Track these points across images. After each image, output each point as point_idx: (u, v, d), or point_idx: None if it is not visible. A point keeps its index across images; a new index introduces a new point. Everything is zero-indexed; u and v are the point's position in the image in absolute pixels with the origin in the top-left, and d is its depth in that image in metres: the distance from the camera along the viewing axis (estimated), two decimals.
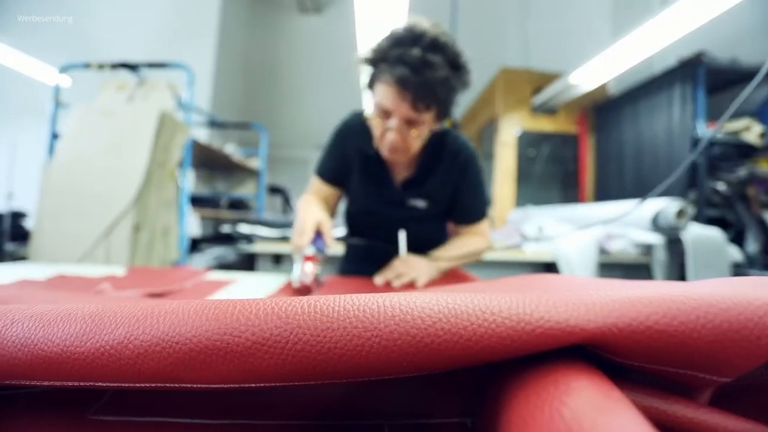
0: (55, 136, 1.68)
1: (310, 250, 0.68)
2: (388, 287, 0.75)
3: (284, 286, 0.72)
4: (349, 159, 0.95)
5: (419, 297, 0.19)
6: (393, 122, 0.76)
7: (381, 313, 0.18)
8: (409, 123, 0.77)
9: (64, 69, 1.74)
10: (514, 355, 0.17)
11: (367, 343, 0.17)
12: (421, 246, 0.91)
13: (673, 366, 0.18)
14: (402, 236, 0.83)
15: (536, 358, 0.18)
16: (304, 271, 0.64)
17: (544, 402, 0.15)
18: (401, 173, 0.94)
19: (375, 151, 0.89)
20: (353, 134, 0.93)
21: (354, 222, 1.04)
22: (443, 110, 0.79)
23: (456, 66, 0.75)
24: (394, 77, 0.71)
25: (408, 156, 0.85)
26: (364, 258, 1.03)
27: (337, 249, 1.60)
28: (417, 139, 0.80)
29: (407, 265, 0.82)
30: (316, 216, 0.75)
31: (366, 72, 0.80)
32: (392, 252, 0.89)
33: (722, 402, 0.21)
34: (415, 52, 0.70)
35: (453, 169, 0.91)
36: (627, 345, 0.17)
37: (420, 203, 0.93)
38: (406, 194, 0.93)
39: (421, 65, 0.70)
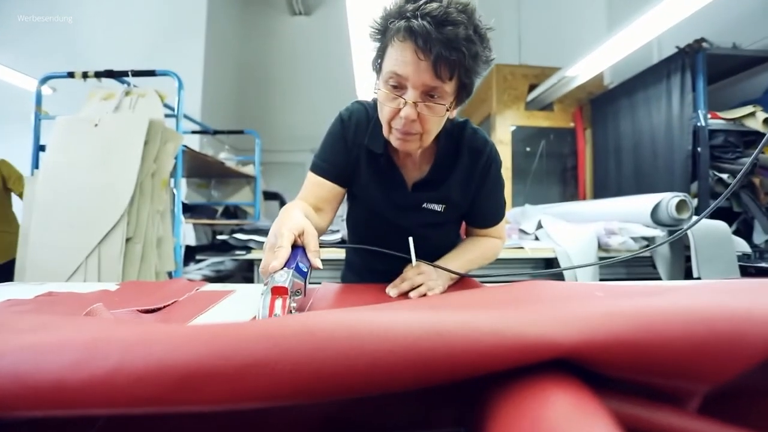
0: (41, 148, 1.63)
1: (283, 277, 0.48)
2: (399, 297, 0.68)
3: (251, 319, 0.67)
4: (356, 155, 0.81)
5: (405, 315, 0.21)
6: (409, 94, 0.63)
7: (368, 332, 0.19)
8: (428, 95, 0.63)
9: (45, 79, 1.69)
10: (496, 369, 0.18)
11: (356, 363, 0.18)
12: (435, 255, 0.81)
13: (653, 376, 0.18)
14: (411, 242, 0.72)
15: (522, 370, 0.19)
16: (272, 308, 0.45)
17: (524, 414, 0.16)
18: (413, 173, 0.81)
19: (384, 147, 0.77)
20: (360, 127, 0.80)
21: (357, 230, 0.93)
22: (466, 84, 0.65)
23: (479, 34, 0.62)
24: (413, 32, 0.58)
25: (422, 145, 0.70)
26: (368, 269, 0.96)
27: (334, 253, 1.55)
28: (435, 120, 0.66)
29: (422, 274, 0.71)
30: (298, 224, 0.58)
31: (376, 45, 0.67)
32: (401, 262, 0.76)
33: (715, 406, 0.21)
34: (435, 4, 0.58)
35: (474, 169, 0.79)
36: (604, 358, 0.18)
37: (437, 207, 0.81)
38: (420, 197, 0.81)
39: (444, 19, 0.57)
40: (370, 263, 0.95)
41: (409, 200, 0.81)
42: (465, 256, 0.82)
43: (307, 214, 0.70)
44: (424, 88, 0.62)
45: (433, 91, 0.63)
